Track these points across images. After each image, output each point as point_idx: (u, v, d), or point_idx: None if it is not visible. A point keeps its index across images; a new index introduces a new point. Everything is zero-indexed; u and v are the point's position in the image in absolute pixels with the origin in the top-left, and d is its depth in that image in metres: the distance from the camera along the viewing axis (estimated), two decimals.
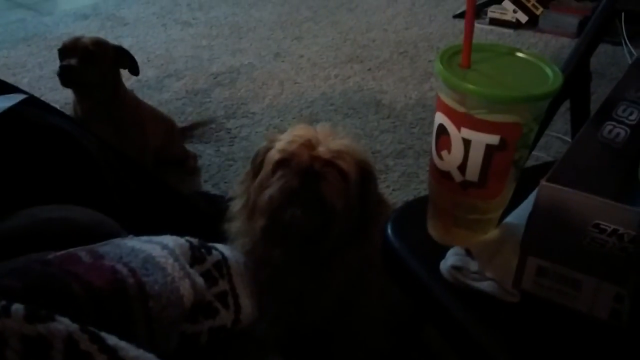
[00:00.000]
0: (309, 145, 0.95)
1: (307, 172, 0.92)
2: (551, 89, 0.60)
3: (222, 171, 1.89)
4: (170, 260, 0.61)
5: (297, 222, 0.92)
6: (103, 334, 0.49)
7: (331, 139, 0.97)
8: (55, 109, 1.12)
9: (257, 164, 1.00)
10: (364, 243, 0.99)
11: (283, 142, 0.97)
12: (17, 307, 0.47)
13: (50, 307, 0.50)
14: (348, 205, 0.95)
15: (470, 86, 0.59)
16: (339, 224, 0.94)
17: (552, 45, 2.80)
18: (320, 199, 0.91)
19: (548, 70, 0.63)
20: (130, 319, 0.56)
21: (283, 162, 0.94)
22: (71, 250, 0.62)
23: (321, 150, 0.94)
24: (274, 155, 0.96)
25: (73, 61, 1.49)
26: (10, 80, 1.08)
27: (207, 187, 1.82)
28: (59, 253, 0.61)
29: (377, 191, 1.04)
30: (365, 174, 0.99)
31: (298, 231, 0.94)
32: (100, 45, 1.55)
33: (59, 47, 1.55)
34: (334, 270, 1.00)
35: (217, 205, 1.47)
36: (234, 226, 1.03)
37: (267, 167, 0.97)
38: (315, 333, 1.12)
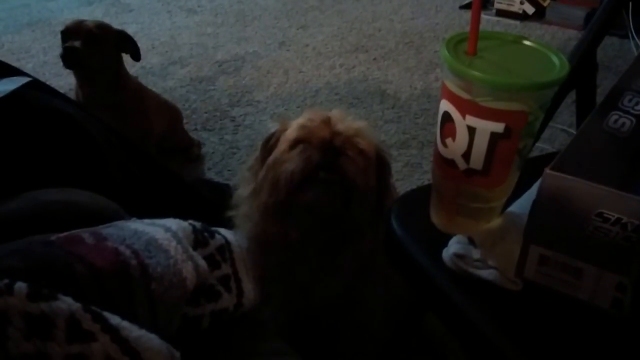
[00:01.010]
0: (328, 122, 0.95)
1: (327, 147, 0.92)
2: (557, 77, 0.60)
3: (225, 159, 1.89)
4: (174, 243, 0.61)
5: (320, 202, 0.92)
6: (106, 314, 0.50)
7: (348, 120, 0.97)
8: (59, 92, 1.12)
9: (270, 147, 0.99)
10: (377, 230, 0.99)
11: (302, 119, 0.97)
12: (20, 286, 0.48)
13: (53, 287, 0.50)
14: (367, 186, 0.94)
15: (476, 73, 0.59)
16: (359, 204, 0.93)
17: (559, 37, 2.78)
18: (342, 173, 0.91)
19: (554, 59, 0.62)
20: (132, 300, 0.56)
21: (302, 139, 0.94)
22: (74, 231, 0.62)
23: (340, 127, 0.94)
24: (291, 133, 0.96)
25: (77, 43, 1.49)
26: (14, 65, 1.07)
27: (211, 175, 1.82)
28: (62, 234, 0.61)
29: (391, 178, 1.04)
30: (380, 159, 0.99)
31: (320, 211, 0.93)
32: (103, 28, 1.54)
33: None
34: (345, 257, 0.99)
35: (221, 193, 1.48)
36: (241, 211, 1.03)
37: (283, 146, 0.96)
38: (319, 320, 1.12)
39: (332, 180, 0.91)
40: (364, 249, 0.99)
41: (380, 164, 0.99)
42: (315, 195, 0.91)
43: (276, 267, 0.96)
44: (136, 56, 1.63)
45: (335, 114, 0.98)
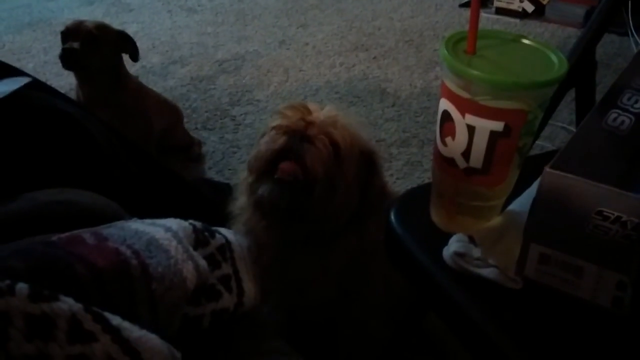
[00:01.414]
0: (306, 112, 0.95)
1: (294, 134, 0.91)
2: (556, 75, 0.60)
3: (226, 158, 1.89)
4: (174, 243, 0.62)
5: (271, 198, 0.91)
6: (107, 314, 0.50)
7: (331, 114, 0.96)
8: (59, 92, 1.12)
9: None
10: (362, 232, 0.99)
11: (282, 107, 0.97)
12: (22, 287, 0.48)
13: (54, 287, 0.51)
14: (334, 179, 0.92)
15: (475, 72, 0.59)
16: (322, 196, 0.91)
17: (559, 35, 2.78)
18: (301, 161, 0.90)
19: (553, 57, 0.63)
20: (133, 300, 0.56)
21: (276, 127, 0.94)
22: (75, 232, 0.62)
23: (317, 118, 0.94)
24: (271, 122, 0.96)
25: (75, 44, 1.49)
26: (15, 65, 1.08)
27: (211, 174, 1.82)
28: (63, 235, 0.61)
29: (382, 181, 1.03)
30: (369, 161, 0.98)
31: (273, 206, 0.93)
32: (103, 29, 1.54)
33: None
34: (333, 256, 0.99)
35: (221, 192, 1.48)
36: (239, 202, 1.03)
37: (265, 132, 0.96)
38: (319, 320, 1.12)
39: (286, 176, 0.90)
40: (350, 247, 0.99)
41: (365, 160, 0.98)
42: (265, 190, 0.91)
43: (269, 264, 0.95)
44: (135, 57, 1.63)
45: (327, 108, 0.98)
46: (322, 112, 0.96)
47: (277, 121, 0.94)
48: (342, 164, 0.93)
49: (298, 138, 0.91)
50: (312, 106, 0.97)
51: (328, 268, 1.00)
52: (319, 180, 0.90)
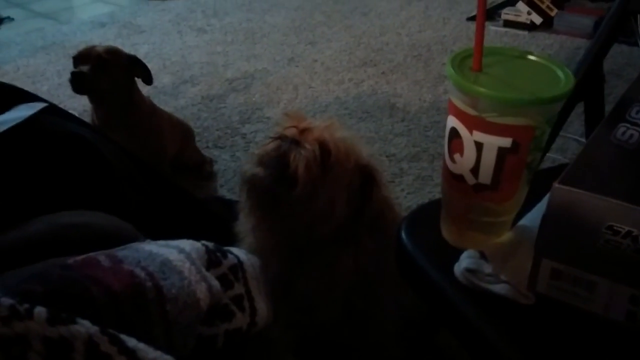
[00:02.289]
0: (301, 119, 0.97)
1: (286, 139, 0.93)
2: (562, 91, 0.60)
3: (237, 176, 1.89)
4: (187, 264, 0.62)
5: (254, 173, 0.94)
6: (122, 336, 0.50)
7: (328, 124, 0.97)
8: (74, 116, 1.13)
9: None
10: (358, 250, 0.98)
11: (283, 117, 0.99)
12: (40, 310, 0.48)
13: (71, 310, 0.51)
14: (316, 187, 0.92)
15: (482, 89, 0.59)
16: (302, 196, 0.91)
17: (567, 46, 2.78)
18: (285, 165, 0.91)
19: (559, 73, 0.63)
20: (148, 321, 0.57)
21: (275, 134, 0.96)
22: (90, 254, 0.63)
23: (311, 124, 0.95)
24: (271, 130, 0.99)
25: (85, 68, 1.52)
26: (29, 88, 1.10)
27: (223, 192, 1.83)
28: (78, 257, 0.62)
29: (381, 199, 1.01)
30: (367, 177, 0.98)
31: (256, 185, 0.95)
32: (113, 53, 1.57)
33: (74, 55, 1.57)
34: (335, 276, 0.99)
35: (233, 210, 1.48)
36: (241, 223, 1.04)
37: None
38: (330, 339, 1.12)
39: (275, 163, 0.92)
40: (349, 266, 0.98)
41: (363, 175, 0.97)
42: (250, 168, 0.95)
43: (276, 282, 0.96)
44: (148, 80, 1.65)
45: (328, 119, 0.99)
46: (319, 121, 0.97)
47: (276, 129, 0.97)
48: (331, 172, 0.93)
49: (289, 142, 0.93)
50: (313, 118, 0.99)
51: (332, 287, 1.00)
52: (300, 180, 0.91)
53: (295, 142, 0.92)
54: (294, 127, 0.95)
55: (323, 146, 0.93)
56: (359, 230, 0.97)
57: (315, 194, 0.92)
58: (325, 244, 0.97)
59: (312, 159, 0.91)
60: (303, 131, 0.94)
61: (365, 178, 0.97)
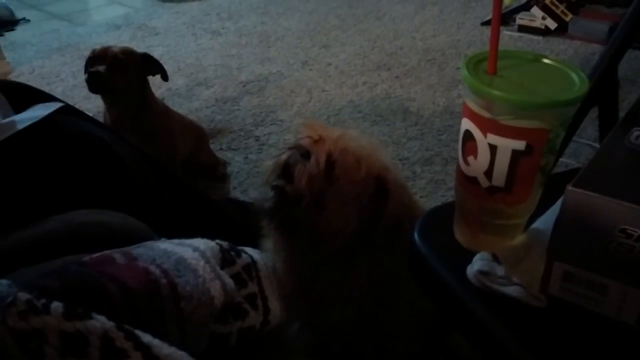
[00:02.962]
0: (319, 129, 0.97)
1: (299, 149, 0.95)
2: (577, 95, 0.60)
3: (250, 178, 1.91)
4: (202, 263, 0.63)
5: (260, 200, 0.96)
6: (137, 332, 0.51)
7: (341, 134, 0.97)
8: (89, 117, 1.15)
9: None
10: (372, 260, 0.97)
11: (298, 123, 1.01)
12: (56, 305, 0.49)
13: (87, 306, 0.52)
14: (328, 200, 0.92)
15: (496, 92, 0.59)
16: (308, 209, 0.91)
17: (582, 51, 2.77)
18: (288, 174, 0.93)
19: (574, 76, 0.63)
20: (162, 318, 0.57)
21: (291, 145, 0.98)
22: (106, 252, 0.64)
23: (326, 134, 0.96)
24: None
25: (101, 68, 1.54)
26: (44, 89, 1.11)
27: (236, 194, 1.84)
28: (94, 255, 0.63)
29: (396, 211, 0.98)
30: (379, 182, 0.96)
31: (271, 218, 0.96)
32: (128, 53, 1.59)
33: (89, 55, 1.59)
34: (351, 282, 0.98)
35: (246, 212, 1.49)
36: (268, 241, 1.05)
37: None
38: (345, 343, 1.12)
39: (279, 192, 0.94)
40: (363, 274, 0.98)
41: (376, 186, 0.96)
42: (259, 194, 0.97)
43: (294, 287, 0.96)
44: (164, 76, 1.67)
45: (345, 129, 1.00)
46: (335, 131, 0.97)
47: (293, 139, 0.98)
48: (336, 183, 0.93)
49: (299, 153, 0.94)
50: (332, 129, 0.99)
51: (346, 297, 0.99)
52: (304, 193, 0.91)
53: (305, 154, 0.93)
54: (309, 137, 0.96)
55: (329, 158, 0.93)
56: (374, 241, 0.96)
57: (322, 207, 0.92)
58: (339, 255, 0.97)
59: (316, 172, 0.92)
60: (317, 141, 0.95)
61: (378, 189, 0.96)
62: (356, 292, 1.00)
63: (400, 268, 0.89)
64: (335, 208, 0.93)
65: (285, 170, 0.94)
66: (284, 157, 0.95)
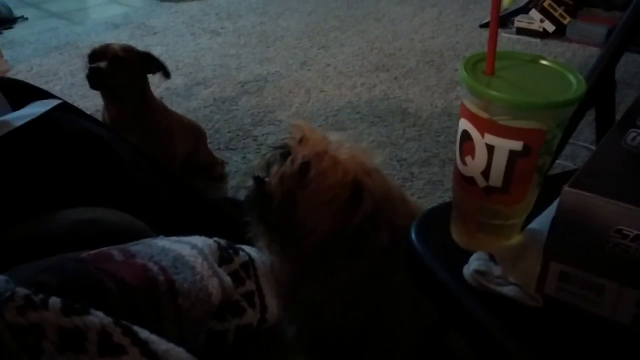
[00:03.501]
0: (305, 130, 0.99)
1: (282, 148, 0.98)
2: (574, 96, 0.60)
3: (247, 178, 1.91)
4: (200, 260, 0.63)
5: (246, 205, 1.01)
6: (135, 328, 0.51)
7: (322, 138, 0.99)
8: (87, 114, 1.15)
9: None
10: (353, 265, 0.97)
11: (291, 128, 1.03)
12: (55, 300, 0.50)
13: (85, 301, 0.52)
14: (300, 200, 0.93)
15: (494, 93, 0.60)
16: (280, 208, 0.94)
17: (580, 54, 2.78)
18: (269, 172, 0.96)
19: (571, 78, 0.63)
20: (160, 315, 0.58)
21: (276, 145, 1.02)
22: (104, 249, 0.64)
23: (309, 137, 0.97)
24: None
25: (102, 64, 1.54)
26: (42, 87, 1.11)
27: (234, 193, 1.84)
28: (92, 252, 0.63)
29: (374, 215, 0.96)
30: (355, 188, 0.95)
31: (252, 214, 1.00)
32: (129, 51, 1.59)
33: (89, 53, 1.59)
34: (333, 287, 0.99)
35: (243, 211, 1.49)
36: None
37: None
38: (342, 343, 1.12)
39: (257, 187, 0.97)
40: (344, 278, 0.98)
41: (352, 192, 0.95)
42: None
43: (285, 287, 0.96)
44: (166, 73, 1.67)
45: (330, 133, 1.01)
46: (319, 134, 0.99)
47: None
48: (309, 185, 0.94)
49: (279, 152, 0.97)
50: (331, 134, 1.01)
51: (331, 298, 1.00)
52: (273, 192, 0.94)
53: (286, 154, 0.96)
54: (294, 137, 0.98)
55: (304, 160, 0.94)
56: (349, 245, 0.96)
57: (294, 206, 0.93)
58: (318, 256, 0.97)
59: (288, 172, 0.94)
60: (300, 142, 0.97)
61: (353, 194, 0.95)
62: (338, 295, 1.00)
63: (381, 271, 0.90)
64: (306, 208, 0.94)
65: (267, 168, 0.97)
66: (268, 155, 0.99)
